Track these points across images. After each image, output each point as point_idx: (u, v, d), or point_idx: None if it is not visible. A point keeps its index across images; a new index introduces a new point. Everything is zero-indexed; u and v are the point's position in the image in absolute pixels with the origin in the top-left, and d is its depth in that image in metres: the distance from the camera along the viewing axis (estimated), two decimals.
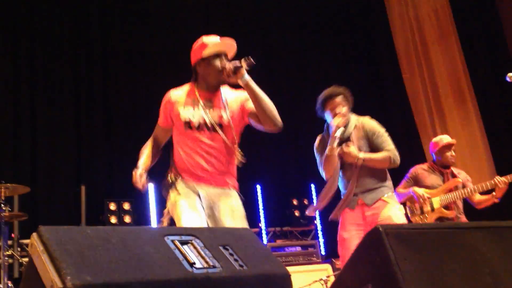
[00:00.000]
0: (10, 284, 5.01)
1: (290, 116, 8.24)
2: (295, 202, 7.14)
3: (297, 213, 7.07)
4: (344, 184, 3.88)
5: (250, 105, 3.02)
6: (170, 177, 3.08)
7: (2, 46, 6.48)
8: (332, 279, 5.40)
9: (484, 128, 7.30)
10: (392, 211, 3.71)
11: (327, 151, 3.72)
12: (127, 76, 7.00)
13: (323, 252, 6.81)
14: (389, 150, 3.78)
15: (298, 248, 6.69)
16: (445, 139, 5.01)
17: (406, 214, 4.99)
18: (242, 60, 2.91)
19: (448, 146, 4.93)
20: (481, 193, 4.91)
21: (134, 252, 1.59)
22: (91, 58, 6.89)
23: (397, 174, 5.41)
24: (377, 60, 8.08)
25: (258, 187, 7.04)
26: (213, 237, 1.85)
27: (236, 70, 2.90)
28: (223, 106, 3.06)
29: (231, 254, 1.81)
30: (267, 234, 6.78)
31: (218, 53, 3.03)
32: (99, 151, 6.53)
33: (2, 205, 5.03)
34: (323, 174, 3.87)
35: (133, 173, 2.96)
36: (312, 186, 7.28)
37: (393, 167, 3.82)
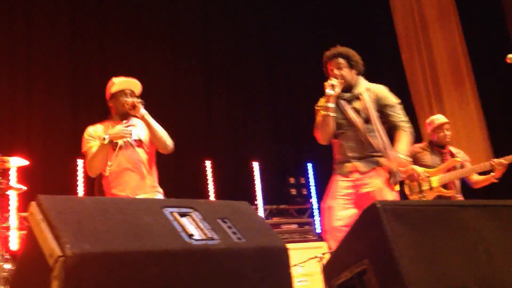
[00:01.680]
0: (7, 255, 5.04)
1: (287, 94, 8.29)
2: (292, 180, 7.16)
3: (293, 191, 7.10)
4: (340, 148, 3.69)
5: None
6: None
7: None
8: (327, 256, 5.43)
9: (482, 110, 7.29)
10: (386, 183, 3.57)
11: (321, 111, 3.57)
12: (125, 47, 6.96)
13: (318, 230, 6.85)
14: (404, 126, 3.64)
15: (294, 226, 6.73)
16: (437, 119, 5.03)
17: (403, 192, 5.04)
18: (138, 100, 3.59)
19: (441, 126, 4.95)
20: (479, 173, 4.94)
21: (132, 222, 1.60)
22: (88, 25, 6.85)
23: None
24: (376, 40, 8.03)
25: (255, 164, 7.06)
26: (211, 210, 1.85)
27: (134, 105, 3.58)
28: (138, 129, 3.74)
29: (229, 227, 1.81)
30: (263, 211, 6.81)
31: (122, 90, 3.71)
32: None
33: (0, 177, 5.04)
34: (317, 134, 3.68)
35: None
36: (309, 165, 7.30)
37: None
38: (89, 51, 6.81)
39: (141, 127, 3.75)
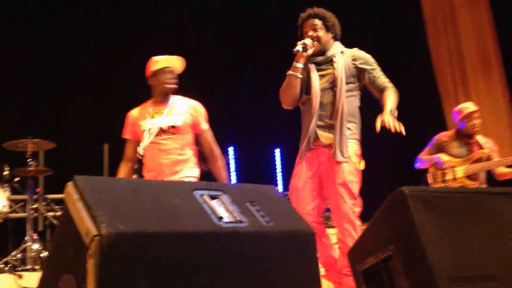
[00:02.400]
0: (35, 236, 5.16)
1: None
2: None
3: None
4: (307, 118, 3.32)
5: (203, 127, 3.71)
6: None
7: (28, 9, 6.52)
8: None
9: (510, 98, 7.17)
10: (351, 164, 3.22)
11: (292, 67, 3.23)
12: (147, 32, 7.00)
13: None
14: (392, 86, 3.32)
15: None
16: (466, 108, 4.94)
17: (426, 180, 5.00)
18: None
19: (470, 115, 4.86)
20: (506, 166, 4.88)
21: (164, 204, 1.64)
22: (111, 15, 6.91)
23: (418, 142, 5.39)
24: (402, 24, 7.93)
25: (277, 151, 7.08)
26: (240, 193, 1.88)
27: None
28: (176, 113, 3.65)
29: (257, 210, 1.84)
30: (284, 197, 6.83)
31: (164, 68, 3.63)
32: (122, 110, 6.60)
33: (28, 160, 5.15)
34: (282, 98, 3.38)
35: None
36: None
37: None
38: (113, 37, 6.87)
39: (178, 111, 3.67)
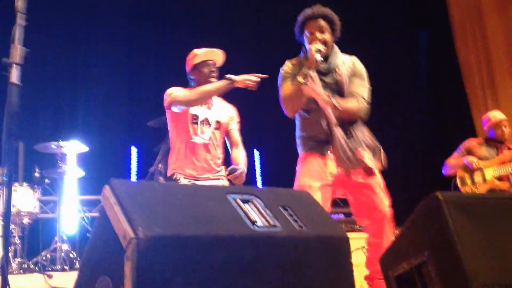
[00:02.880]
0: (65, 237, 5.25)
1: None
2: None
3: None
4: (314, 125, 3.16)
5: (232, 126, 3.75)
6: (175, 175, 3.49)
7: (59, 7, 6.63)
8: None
9: None
10: None
11: (298, 77, 3.01)
12: (182, 38, 7.06)
13: None
14: (361, 98, 3.12)
15: (341, 216, 6.69)
16: (494, 116, 4.95)
17: (455, 184, 4.95)
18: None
19: (498, 123, 4.86)
20: None
21: (199, 207, 1.64)
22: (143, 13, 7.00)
23: (447, 147, 5.33)
24: (429, 28, 7.85)
25: None
26: (273, 197, 1.88)
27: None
28: (219, 110, 3.72)
29: (290, 215, 1.84)
30: None
31: (205, 61, 3.63)
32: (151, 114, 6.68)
33: (58, 161, 5.24)
34: (288, 106, 3.16)
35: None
36: None
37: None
38: (145, 39, 6.93)
39: (220, 108, 3.74)
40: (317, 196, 2.95)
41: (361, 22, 7.42)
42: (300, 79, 3.00)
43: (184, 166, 3.53)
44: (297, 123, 3.29)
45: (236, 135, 3.77)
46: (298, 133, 3.28)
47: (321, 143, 3.11)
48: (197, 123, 3.58)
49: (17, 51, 2.23)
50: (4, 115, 2.18)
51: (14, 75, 2.21)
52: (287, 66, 3.25)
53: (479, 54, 7.48)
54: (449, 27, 7.56)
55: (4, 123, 2.11)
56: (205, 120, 3.61)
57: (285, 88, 3.16)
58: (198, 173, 3.54)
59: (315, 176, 3.05)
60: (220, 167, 3.66)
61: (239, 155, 3.68)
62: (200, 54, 3.66)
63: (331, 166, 3.10)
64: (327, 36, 3.13)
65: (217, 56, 3.69)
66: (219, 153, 3.66)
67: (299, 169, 3.16)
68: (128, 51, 6.90)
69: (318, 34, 3.11)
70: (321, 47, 3.03)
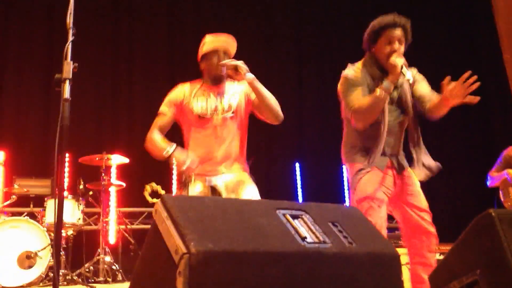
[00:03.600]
0: (107, 249, 5.32)
1: None
2: None
3: None
4: (371, 136, 3.04)
5: (254, 96, 3.23)
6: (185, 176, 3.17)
7: (102, 22, 6.79)
8: None
9: None
10: None
11: (379, 91, 2.87)
12: None
13: None
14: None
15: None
16: None
17: (498, 198, 4.83)
18: (240, 62, 3.11)
19: None
20: None
21: (249, 223, 1.64)
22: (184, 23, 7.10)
23: (494, 159, 5.20)
24: (476, 39, 7.72)
25: (345, 167, 7.00)
26: (322, 213, 1.86)
27: (235, 68, 3.11)
28: (230, 96, 3.26)
29: (340, 231, 1.81)
30: None
31: (214, 50, 3.22)
32: None
33: (102, 174, 5.33)
34: (362, 118, 2.97)
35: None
36: None
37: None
38: (185, 45, 7.03)
39: (233, 95, 3.28)
40: (383, 210, 2.99)
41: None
42: (380, 93, 2.87)
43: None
44: (353, 133, 3.15)
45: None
46: (353, 143, 3.16)
47: (381, 157, 3.05)
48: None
49: (69, 67, 2.28)
50: (53, 129, 2.24)
51: (66, 91, 2.26)
52: (355, 71, 3.08)
53: None
54: (496, 38, 7.41)
55: (57, 136, 2.16)
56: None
57: (357, 98, 2.97)
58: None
59: (378, 190, 3.01)
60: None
61: None
62: (208, 41, 3.27)
63: (389, 181, 3.08)
64: (402, 48, 3.03)
65: (228, 44, 3.27)
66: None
67: (358, 182, 3.04)
68: (170, 65, 7.01)
69: (396, 45, 2.99)
70: (403, 61, 2.92)
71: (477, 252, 2.03)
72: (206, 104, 3.22)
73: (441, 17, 7.87)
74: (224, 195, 3.11)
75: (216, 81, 3.26)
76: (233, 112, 3.22)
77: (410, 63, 3.02)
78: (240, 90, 3.30)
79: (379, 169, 3.05)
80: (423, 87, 3.15)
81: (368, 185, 3.00)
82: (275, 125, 3.39)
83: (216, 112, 3.20)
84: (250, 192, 3.15)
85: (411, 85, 3.10)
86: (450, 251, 2.19)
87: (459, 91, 2.79)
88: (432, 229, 3.08)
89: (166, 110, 3.31)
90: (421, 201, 3.10)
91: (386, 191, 3.05)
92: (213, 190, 3.15)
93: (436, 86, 3.03)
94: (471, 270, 2.02)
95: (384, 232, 3.00)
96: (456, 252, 2.15)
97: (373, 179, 3.03)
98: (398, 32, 2.99)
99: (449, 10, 7.91)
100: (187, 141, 3.31)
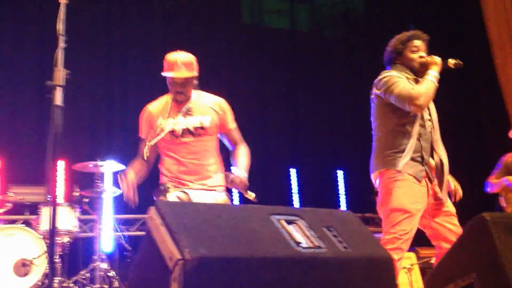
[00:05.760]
0: (104, 256, 5.29)
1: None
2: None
3: None
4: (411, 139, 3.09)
5: (232, 126, 3.32)
6: (162, 184, 3.19)
7: (95, 28, 6.80)
8: (416, 267, 5.28)
9: None
10: None
11: (433, 75, 3.06)
12: (212, 59, 7.15)
13: None
14: None
15: (381, 235, 6.60)
16: None
17: (499, 205, 4.82)
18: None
19: None
20: None
21: (243, 228, 1.64)
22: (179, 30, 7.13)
23: (489, 165, 5.21)
24: (467, 43, 7.75)
25: (340, 172, 7.01)
26: (316, 218, 1.86)
27: None
28: (200, 115, 3.25)
29: (334, 236, 1.81)
30: None
31: (174, 82, 3.23)
32: None
33: (97, 181, 5.31)
34: (423, 100, 2.99)
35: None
36: None
37: None
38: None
39: (203, 111, 3.27)
40: (417, 219, 3.01)
41: None
42: (430, 76, 3.06)
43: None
44: (386, 137, 3.20)
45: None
46: (389, 146, 3.16)
47: (419, 166, 3.07)
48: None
49: (60, 74, 2.28)
50: (47, 136, 2.23)
51: (58, 98, 2.25)
52: (393, 72, 3.18)
53: None
54: (487, 44, 7.44)
55: (48, 144, 2.16)
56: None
57: (411, 87, 3.04)
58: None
59: (416, 200, 3.02)
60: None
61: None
62: (165, 65, 3.29)
63: (424, 192, 3.07)
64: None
65: (181, 73, 3.22)
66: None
67: (396, 189, 3.05)
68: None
69: (421, 53, 3.21)
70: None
71: (472, 256, 2.05)
72: (176, 122, 3.24)
73: (431, 23, 7.89)
74: None
75: (180, 102, 3.28)
76: (204, 129, 3.22)
77: None
78: (213, 107, 3.30)
79: (417, 179, 3.05)
80: None
81: (402, 197, 3.02)
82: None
83: (187, 130, 3.22)
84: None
85: None
86: (446, 254, 2.21)
87: None
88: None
89: (144, 135, 3.38)
90: (449, 206, 3.15)
91: (423, 203, 3.04)
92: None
93: None
94: (467, 273, 2.03)
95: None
96: (451, 256, 2.17)
97: (411, 190, 3.03)
98: (423, 45, 3.23)
99: (439, 17, 7.94)
100: (162, 157, 3.35)
